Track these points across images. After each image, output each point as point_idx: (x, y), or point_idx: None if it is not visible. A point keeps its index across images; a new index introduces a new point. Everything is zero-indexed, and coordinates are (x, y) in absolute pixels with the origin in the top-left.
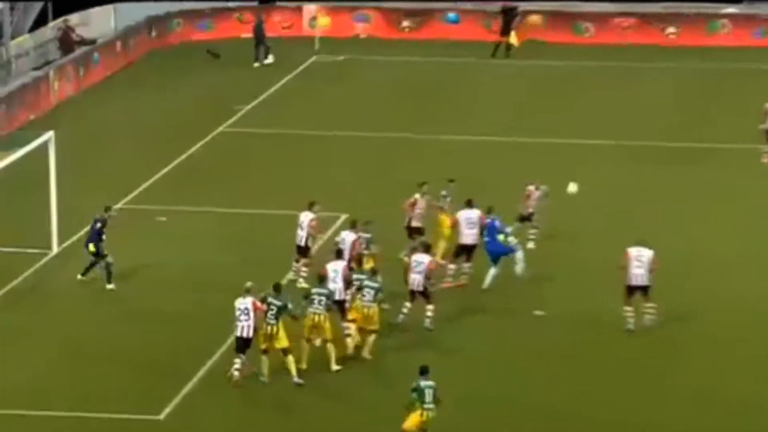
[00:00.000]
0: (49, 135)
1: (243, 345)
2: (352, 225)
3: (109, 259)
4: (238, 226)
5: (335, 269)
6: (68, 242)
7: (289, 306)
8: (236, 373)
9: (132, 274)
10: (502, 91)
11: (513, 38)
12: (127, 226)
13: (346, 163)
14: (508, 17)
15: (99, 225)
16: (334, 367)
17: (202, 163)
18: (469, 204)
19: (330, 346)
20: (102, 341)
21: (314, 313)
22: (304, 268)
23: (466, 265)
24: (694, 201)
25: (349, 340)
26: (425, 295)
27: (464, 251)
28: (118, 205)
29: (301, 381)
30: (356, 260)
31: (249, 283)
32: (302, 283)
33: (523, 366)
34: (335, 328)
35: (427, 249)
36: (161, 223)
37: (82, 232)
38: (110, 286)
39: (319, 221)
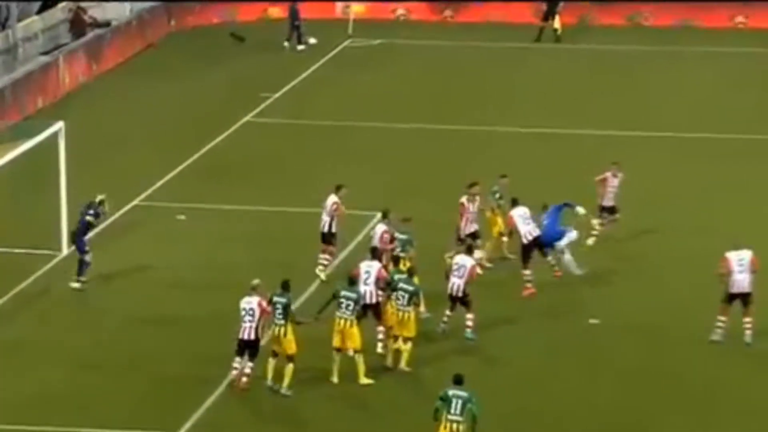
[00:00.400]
0: (59, 126)
1: (244, 347)
2: (384, 216)
3: (88, 258)
4: (262, 225)
5: (368, 270)
6: None
7: (292, 307)
8: (237, 376)
9: (147, 277)
10: (551, 78)
11: (557, 23)
12: (134, 224)
13: (382, 157)
14: (553, 2)
15: (91, 213)
16: (364, 380)
17: (226, 156)
18: (516, 203)
19: (359, 357)
20: (113, 350)
21: (341, 318)
22: (326, 256)
23: (549, 258)
24: None
25: (380, 345)
26: (464, 302)
27: (534, 248)
28: (135, 202)
29: (289, 393)
30: (392, 260)
31: (256, 281)
32: (320, 272)
33: (575, 381)
34: (365, 336)
35: (469, 250)
36: (180, 222)
37: (95, 232)
38: (75, 285)
39: (341, 206)
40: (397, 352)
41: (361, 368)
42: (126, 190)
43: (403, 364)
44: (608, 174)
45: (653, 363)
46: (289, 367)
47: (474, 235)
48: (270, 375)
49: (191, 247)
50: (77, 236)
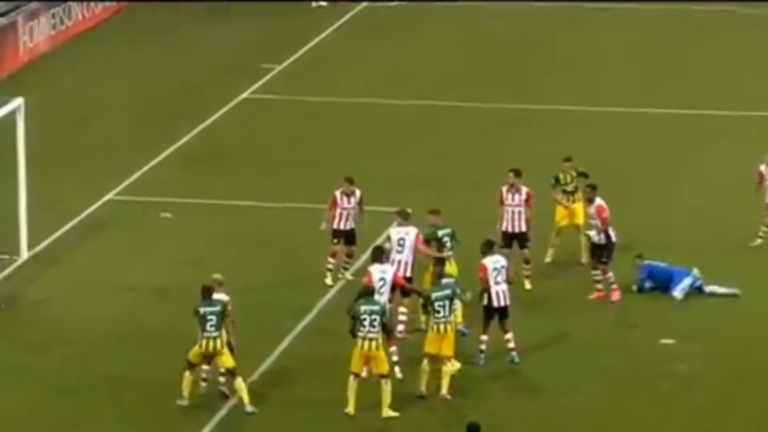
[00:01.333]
0: (18, 103)
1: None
2: (403, 217)
3: None
4: (262, 223)
5: (383, 276)
6: (42, 245)
7: (228, 308)
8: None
9: (126, 285)
10: (615, 44)
11: None
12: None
13: (406, 141)
14: None
15: None
16: (387, 412)
17: (219, 140)
18: (595, 190)
19: (386, 384)
20: (88, 370)
21: (365, 339)
22: (346, 259)
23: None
24: None
25: (397, 369)
26: (507, 313)
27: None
28: (109, 196)
29: (253, 409)
30: (435, 262)
31: (217, 275)
32: (344, 274)
33: (640, 417)
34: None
35: (490, 246)
36: (165, 221)
37: (61, 232)
38: None
39: (338, 201)
40: (433, 374)
41: (387, 398)
42: (98, 181)
43: (444, 391)
44: (762, 168)
45: (740, 397)
46: (239, 381)
47: (522, 238)
48: (186, 393)
49: (178, 250)
50: None
